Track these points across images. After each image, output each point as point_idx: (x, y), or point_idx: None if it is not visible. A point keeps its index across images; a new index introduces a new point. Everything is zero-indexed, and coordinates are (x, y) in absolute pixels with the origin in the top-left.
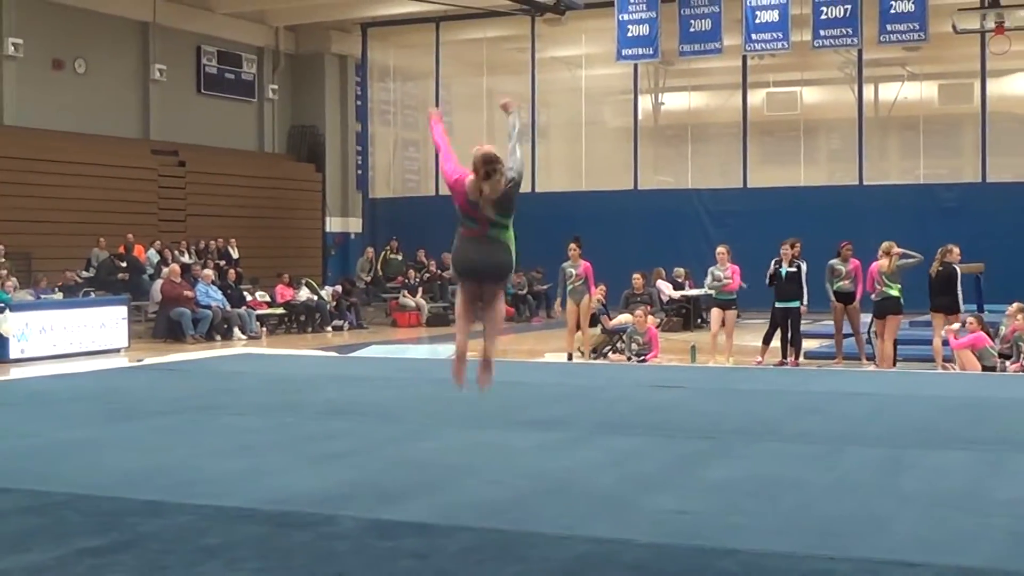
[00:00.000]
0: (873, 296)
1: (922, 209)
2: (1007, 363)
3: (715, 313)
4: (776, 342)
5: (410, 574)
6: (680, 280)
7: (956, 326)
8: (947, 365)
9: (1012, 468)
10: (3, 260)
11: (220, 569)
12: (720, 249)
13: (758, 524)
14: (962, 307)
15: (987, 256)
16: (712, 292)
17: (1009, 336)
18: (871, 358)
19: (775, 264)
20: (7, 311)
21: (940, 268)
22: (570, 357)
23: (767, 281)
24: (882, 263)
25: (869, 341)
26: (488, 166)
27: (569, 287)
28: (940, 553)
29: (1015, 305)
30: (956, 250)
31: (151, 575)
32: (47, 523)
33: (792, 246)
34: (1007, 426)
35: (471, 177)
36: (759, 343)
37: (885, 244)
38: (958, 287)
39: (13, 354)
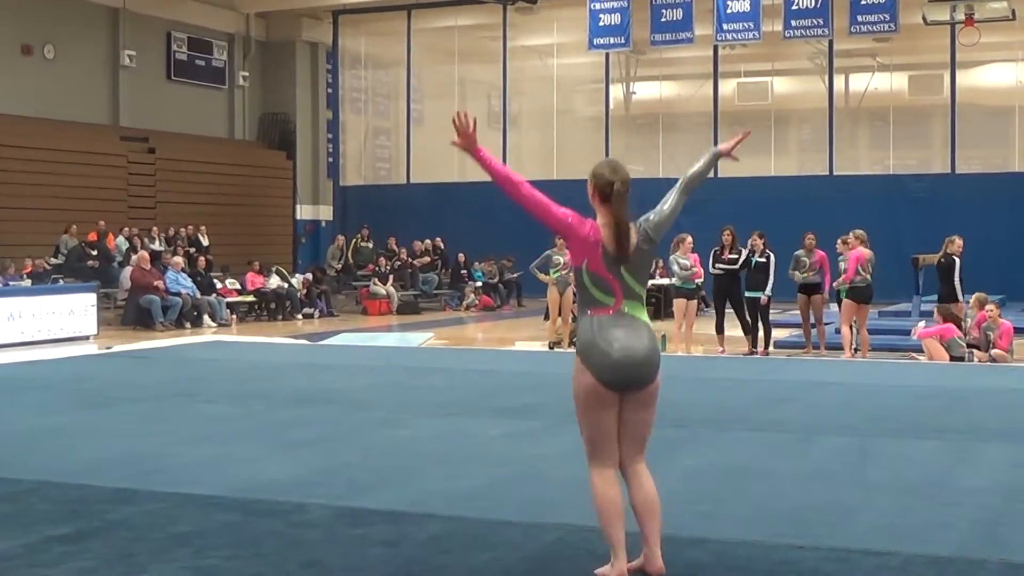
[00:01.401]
0: (856, 282)
1: (892, 199)
2: (974, 353)
3: (679, 304)
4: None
5: (380, 562)
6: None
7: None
8: (915, 356)
9: (979, 457)
10: None
11: (190, 556)
12: (687, 237)
13: (727, 513)
14: (960, 297)
15: None
16: (678, 282)
17: (976, 327)
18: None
19: (748, 253)
20: None
21: (942, 259)
22: (552, 346)
23: (738, 266)
24: (867, 251)
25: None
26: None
27: (554, 274)
28: (907, 541)
29: (975, 296)
30: (959, 241)
31: (120, 562)
32: (15, 511)
33: (760, 236)
34: (974, 416)
35: (601, 219)
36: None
37: (862, 232)
38: (956, 277)
39: None
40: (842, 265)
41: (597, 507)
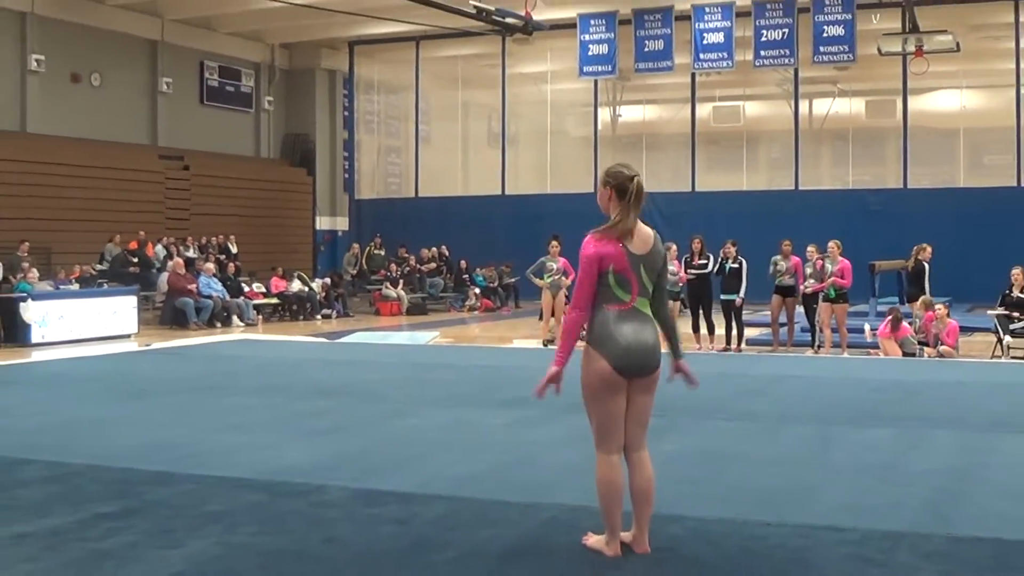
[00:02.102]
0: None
1: (851, 212)
2: (924, 350)
3: None
4: (717, 330)
5: (392, 538)
6: None
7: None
8: (873, 352)
9: (929, 443)
10: (27, 255)
11: (221, 532)
12: (671, 246)
13: (704, 493)
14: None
15: (906, 254)
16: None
17: (925, 326)
18: (819, 347)
19: (721, 259)
20: (29, 300)
21: (914, 264)
22: (546, 344)
23: (715, 271)
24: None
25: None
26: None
27: (548, 279)
28: (865, 519)
29: (921, 299)
30: (928, 249)
31: (160, 537)
32: (66, 491)
33: (733, 244)
34: (925, 406)
35: (618, 221)
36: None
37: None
38: (926, 280)
39: (35, 339)
40: (808, 270)
41: (601, 491)
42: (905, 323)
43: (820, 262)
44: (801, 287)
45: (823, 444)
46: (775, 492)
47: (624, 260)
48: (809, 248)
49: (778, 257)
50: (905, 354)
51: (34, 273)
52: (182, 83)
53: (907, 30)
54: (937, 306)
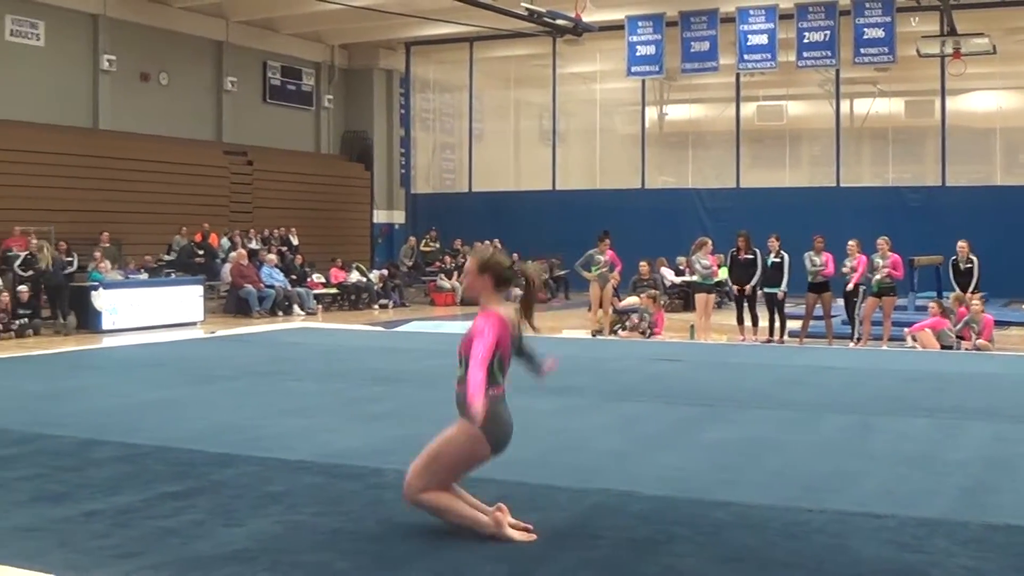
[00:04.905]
0: (888, 281)
1: (890, 208)
2: (961, 342)
3: (700, 298)
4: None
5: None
6: (682, 268)
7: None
8: (913, 344)
9: (965, 433)
10: (108, 246)
11: (281, 512)
12: (707, 241)
13: (746, 480)
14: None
15: (945, 250)
16: (699, 278)
17: (959, 321)
18: (859, 340)
19: (763, 255)
20: (100, 289)
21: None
22: (594, 334)
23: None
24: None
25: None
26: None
27: (596, 271)
28: (902, 506)
29: (954, 295)
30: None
31: (223, 516)
32: (135, 470)
33: (776, 239)
34: (961, 397)
35: (512, 307)
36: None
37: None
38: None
39: (105, 326)
40: (847, 265)
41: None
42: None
43: (862, 257)
44: (853, 282)
45: (862, 433)
46: (815, 479)
47: (508, 343)
48: (851, 243)
49: (811, 253)
50: (943, 347)
51: (106, 263)
52: (246, 82)
53: (945, 33)
54: (974, 301)
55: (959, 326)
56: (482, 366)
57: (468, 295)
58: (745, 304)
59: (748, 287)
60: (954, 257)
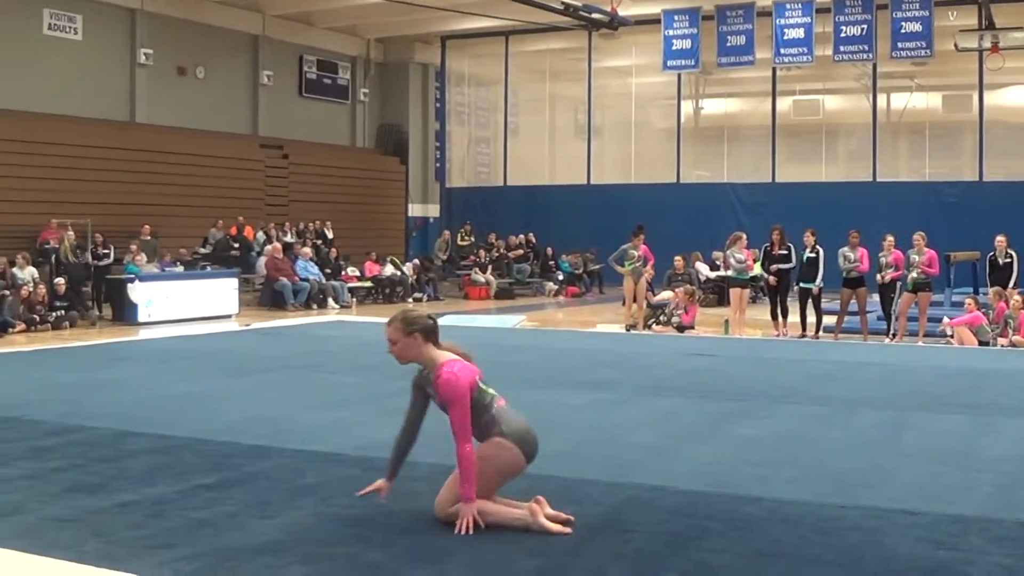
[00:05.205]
0: (924, 278)
1: (927, 203)
2: (998, 338)
3: (735, 292)
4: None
5: None
6: (717, 262)
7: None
8: (949, 340)
9: (1000, 430)
10: (148, 239)
11: (315, 504)
12: (742, 235)
13: (780, 475)
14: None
15: (982, 245)
16: (734, 273)
17: (998, 317)
18: (894, 335)
19: (799, 250)
20: (136, 281)
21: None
22: (628, 328)
23: (792, 265)
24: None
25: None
26: None
27: (629, 266)
28: (936, 502)
29: (993, 290)
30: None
31: (257, 508)
32: (170, 462)
33: (812, 234)
34: (997, 393)
35: (450, 344)
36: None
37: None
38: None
39: (141, 318)
40: (883, 259)
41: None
42: (980, 312)
43: (898, 253)
44: (880, 277)
45: (896, 429)
46: (849, 475)
47: (475, 376)
48: (888, 238)
49: (845, 248)
50: (980, 343)
51: (142, 256)
52: (282, 76)
53: (983, 27)
54: (1015, 297)
55: (1000, 326)
56: (468, 437)
57: (405, 362)
58: (778, 298)
59: (780, 269)
60: (991, 253)
